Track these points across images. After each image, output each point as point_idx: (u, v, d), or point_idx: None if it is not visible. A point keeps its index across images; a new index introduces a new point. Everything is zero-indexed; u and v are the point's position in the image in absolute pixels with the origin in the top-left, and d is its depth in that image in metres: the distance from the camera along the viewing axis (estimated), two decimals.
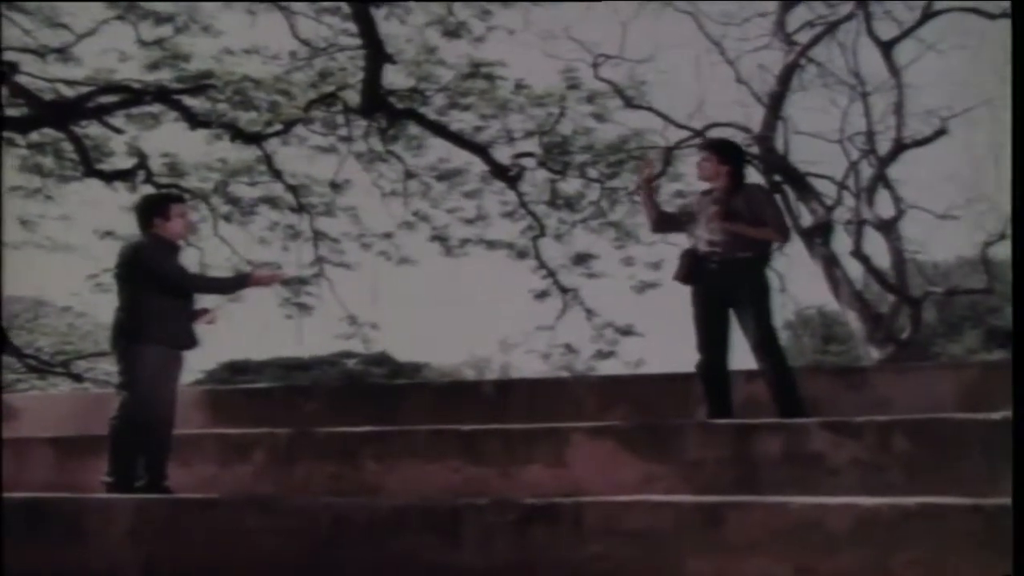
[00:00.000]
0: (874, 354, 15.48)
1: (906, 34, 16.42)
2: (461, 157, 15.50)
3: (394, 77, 14.06)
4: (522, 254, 16.50)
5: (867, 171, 17.38)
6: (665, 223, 6.75)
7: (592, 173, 15.86)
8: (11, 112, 13.74)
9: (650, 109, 16.69)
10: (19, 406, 8.22)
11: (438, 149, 15.51)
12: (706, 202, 6.46)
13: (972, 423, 5.06)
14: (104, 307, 16.89)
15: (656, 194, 6.84)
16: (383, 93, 13.61)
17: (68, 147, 14.38)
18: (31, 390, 19.11)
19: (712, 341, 6.31)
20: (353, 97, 14.01)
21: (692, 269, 6.35)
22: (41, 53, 13.58)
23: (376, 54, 12.74)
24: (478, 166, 15.47)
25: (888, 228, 16.78)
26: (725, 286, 6.23)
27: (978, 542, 3.76)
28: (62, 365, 18.82)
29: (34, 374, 19.50)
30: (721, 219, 6.27)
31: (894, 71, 16.66)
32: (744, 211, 6.27)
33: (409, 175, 15.77)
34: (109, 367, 15.84)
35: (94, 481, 5.80)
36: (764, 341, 6.20)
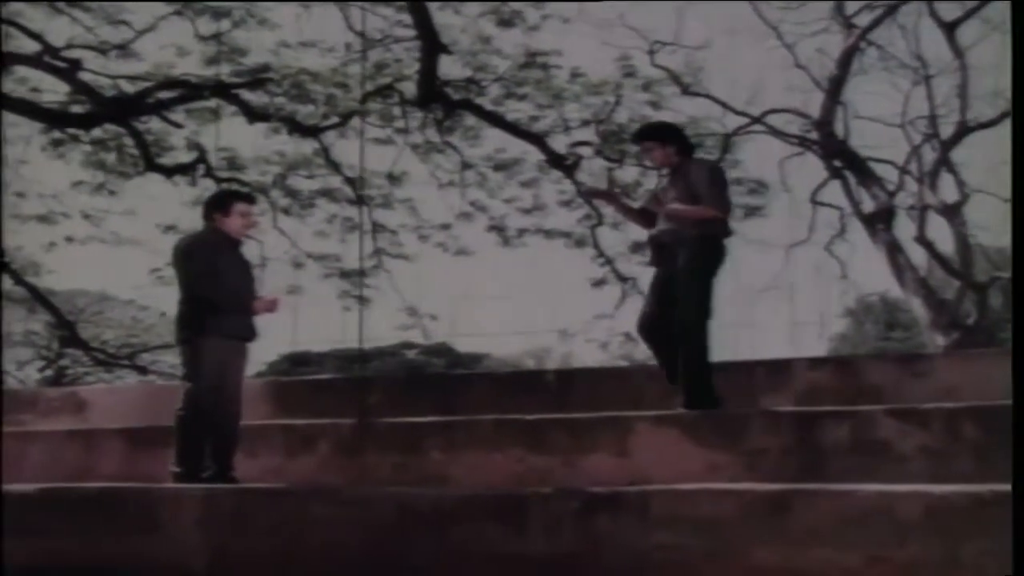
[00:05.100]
0: (939, 341, 15.24)
1: (970, 15, 16.09)
2: (518, 147, 15.50)
3: (449, 68, 14.10)
4: (580, 243, 16.45)
5: (930, 155, 17.10)
6: (651, 219, 6.58)
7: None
8: (75, 109, 13.98)
9: (707, 96, 16.56)
10: (87, 398, 8.36)
11: (494, 139, 15.53)
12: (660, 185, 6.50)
13: None
14: (167, 300, 17.13)
15: (624, 204, 6.87)
16: (439, 84, 13.64)
17: (130, 142, 14.58)
18: (98, 383, 19.46)
19: (647, 325, 6.26)
20: (409, 88, 14.06)
21: (655, 253, 6.37)
22: (103, 50, 13.79)
23: (431, 45, 12.77)
24: (535, 156, 15.46)
25: (952, 213, 16.48)
26: (674, 266, 6.17)
27: None
28: (127, 358, 19.11)
29: (101, 367, 19.84)
30: (656, 202, 6.31)
31: (958, 53, 16.33)
32: (682, 191, 6.23)
33: (466, 166, 15.78)
34: (173, 359, 16.06)
35: (163, 471, 5.89)
36: (685, 328, 6.02)
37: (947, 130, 16.77)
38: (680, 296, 6.06)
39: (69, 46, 13.58)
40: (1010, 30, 4.40)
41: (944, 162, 16.75)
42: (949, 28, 16.20)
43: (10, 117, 14.05)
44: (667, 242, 6.23)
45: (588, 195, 7.41)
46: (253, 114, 14.17)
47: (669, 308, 6.13)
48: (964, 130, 16.42)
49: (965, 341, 14.60)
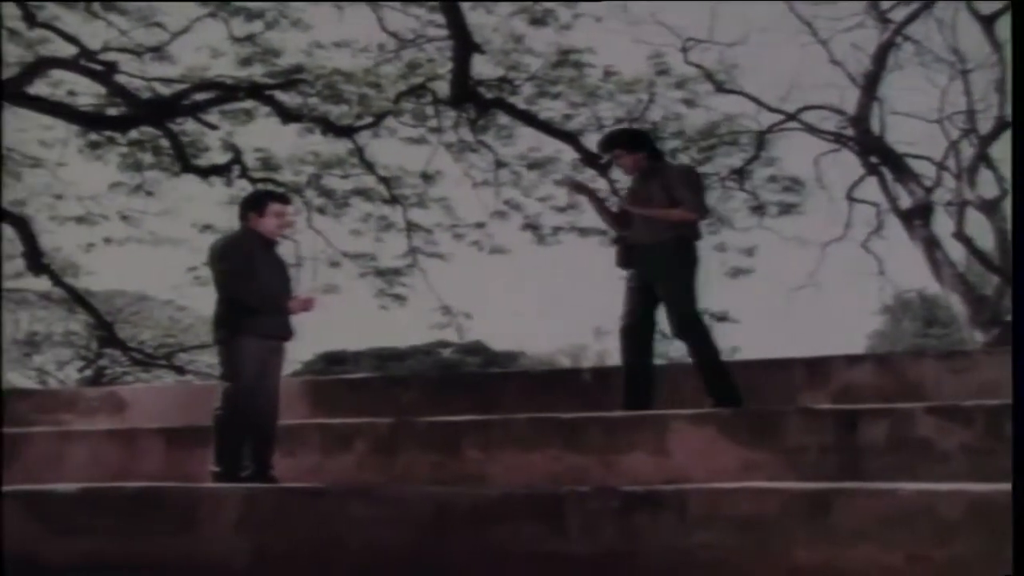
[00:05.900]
0: (978, 337, 15.09)
1: (1008, 8, 15.90)
2: (551, 145, 15.53)
3: (482, 67, 14.12)
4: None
5: (968, 151, 16.93)
6: (624, 221, 6.53)
7: (683, 159, 15.74)
8: (111, 111, 14.11)
9: (741, 93, 16.48)
10: (127, 398, 8.42)
11: (528, 138, 15.57)
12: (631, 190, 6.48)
13: None
14: (204, 300, 17.29)
15: (600, 202, 6.85)
16: (472, 83, 13.66)
17: (166, 144, 14.70)
18: (136, 383, 19.64)
19: (632, 330, 6.24)
20: (442, 88, 14.10)
21: (625, 255, 6.33)
22: (138, 53, 13.92)
23: (464, 44, 12.79)
24: (568, 154, 15.48)
25: (991, 208, 16.30)
26: (649, 269, 6.18)
27: None
28: (165, 358, 19.27)
29: (139, 367, 20.02)
30: (631, 204, 6.28)
31: (996, 46, 16.14)
32: (658, 194, 6.21)
33: (500, 164, 15.80)
34: (210, 359, 16.17)
35: (202, 471, 5.92)
36: (684, 323, 6.08)
37: (985, 125, 16.60)
38: (667, 297, 6.12)
39: (105, 49, 13.72)
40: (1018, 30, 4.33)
41: (982, 157, 16.57)
42: (987, 22, 16.01)
43: (47, 120, 14.23)
44: (641, 244, 6.22)
45: (568, 185, 7.40)
46: (287, 115, 14.25)
47: (652, 313, 6.21)
48: (1003, 125, 16.21)
49: (1005, 337, 14.43)
